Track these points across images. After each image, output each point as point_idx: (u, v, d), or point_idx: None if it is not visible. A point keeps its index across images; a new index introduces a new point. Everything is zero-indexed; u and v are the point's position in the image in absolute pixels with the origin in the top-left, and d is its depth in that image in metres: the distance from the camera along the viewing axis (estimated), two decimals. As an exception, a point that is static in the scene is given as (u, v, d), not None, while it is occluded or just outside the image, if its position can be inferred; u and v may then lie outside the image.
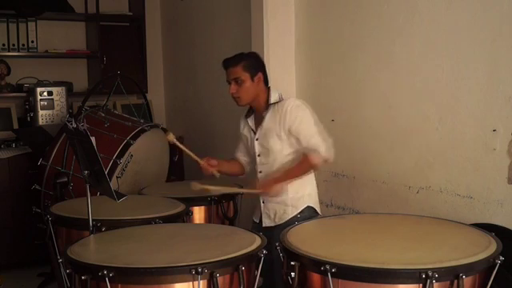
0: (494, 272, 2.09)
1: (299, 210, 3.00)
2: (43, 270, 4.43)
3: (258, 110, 3.04)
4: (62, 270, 2.36)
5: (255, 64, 2.99)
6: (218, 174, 3.12)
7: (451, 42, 2.89)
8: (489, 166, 2.72)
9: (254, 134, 3.05)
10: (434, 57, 2.97)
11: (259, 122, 3.03)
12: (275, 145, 2.96)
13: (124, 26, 5.70)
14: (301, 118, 2.91)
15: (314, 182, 3.11)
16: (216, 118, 4.99)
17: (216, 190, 3.17)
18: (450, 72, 2.90)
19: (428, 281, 1.92)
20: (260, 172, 3.06)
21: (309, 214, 3.01)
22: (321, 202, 3.69)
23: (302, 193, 3.02)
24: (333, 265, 2.01)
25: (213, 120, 5.04)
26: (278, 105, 2.96)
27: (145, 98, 4.93)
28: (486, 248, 2.14)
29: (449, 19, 2.89)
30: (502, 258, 2.08)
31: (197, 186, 2.98)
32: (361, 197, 3.46)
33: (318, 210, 3.09)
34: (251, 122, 3.08)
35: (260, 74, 2.98)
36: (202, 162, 3.08)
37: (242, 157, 3.23)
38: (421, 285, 1.95)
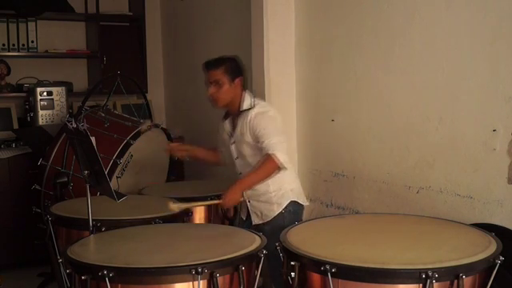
0: (494, 272, 2.09)
1: (283, 206, 3.08)
2: (43, 270, 4.42)
3: (232, 114, 3.13)
4: (62, 269, 2.36)
5: (236, 68, 3.06)
6: (187, 159, 3.31)
7: (451, 42, 2.88)
8: (489, 166, 2.72)
9: (231, 137, 3.12)
10: (434, 57, 2.97)
11: (234, 126, 3.11)
12: (247, 150, 3.06)
13: (124, 25, 5.69)
14: (262, 124, 2.96)
15: (296, 175, 3.20)
16: (216, 118, 4.97)
17: (194, 205, 3.20)
18: (450, 72, 2.90)
19: (428, 281, 1.93)
20: (240, 174, 3.14)
21: (293, 208, 3.11)
22: (321, 202, 3.67)
23: (285, 189, 3.10)
24: (333, 265, 2.01)
25: (213, 120, 5.02)
26: (247, 112, 3.02)
27: (145, 97, 4.92)
28: (485, 248, 2.14)
29: (449, 19, 2.89)
30: (502, 257, 2.08)
31: (174, 206, 2.94)
32: (361, 197, 3.45)
33: (302, 202, 3.16)
34: (228, 124, 3.17)
35: (239, 79, 3.05)
36: (170, 145, 3.28)
37: (223, 150, 3.33)
38: (421, 285, 1.95)
